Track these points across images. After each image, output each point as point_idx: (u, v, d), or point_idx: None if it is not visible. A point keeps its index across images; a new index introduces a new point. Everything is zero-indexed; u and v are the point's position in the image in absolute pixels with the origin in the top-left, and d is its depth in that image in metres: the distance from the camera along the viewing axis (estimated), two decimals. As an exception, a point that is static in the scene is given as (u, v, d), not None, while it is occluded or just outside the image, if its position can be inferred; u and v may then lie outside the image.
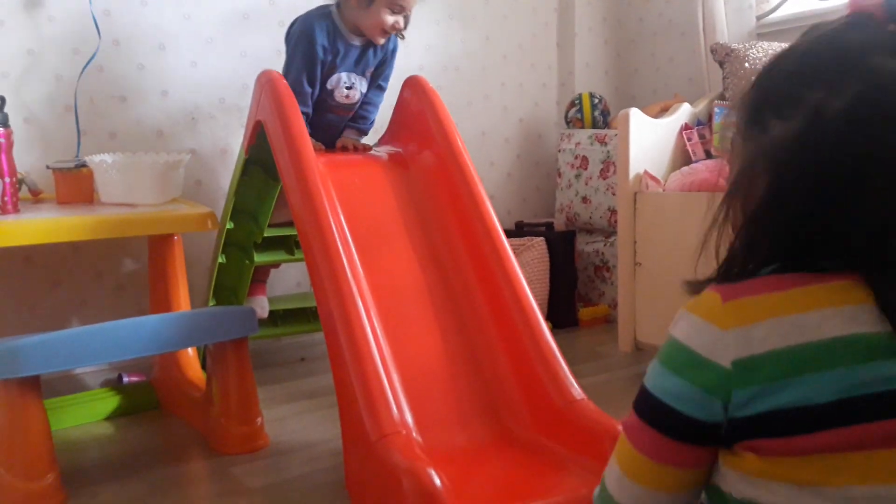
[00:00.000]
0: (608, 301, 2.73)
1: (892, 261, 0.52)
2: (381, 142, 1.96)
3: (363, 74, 1.97)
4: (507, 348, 1.44)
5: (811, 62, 0.57)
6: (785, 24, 2.68)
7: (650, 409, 0.57)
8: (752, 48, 2.30)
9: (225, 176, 2.29)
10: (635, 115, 2.11)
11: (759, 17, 2.72)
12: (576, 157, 2.88)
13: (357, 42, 1.92)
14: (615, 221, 2.50)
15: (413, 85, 1.82)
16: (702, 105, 2.35)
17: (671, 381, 0.56)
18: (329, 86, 1.94)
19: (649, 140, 2.17)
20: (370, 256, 1.51)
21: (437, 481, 1.03)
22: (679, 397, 0.55)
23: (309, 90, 1.89)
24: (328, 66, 1.92)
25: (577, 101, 2.97)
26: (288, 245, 2.08)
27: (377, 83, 2.01)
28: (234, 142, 2.27)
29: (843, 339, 0.51)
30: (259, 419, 1.63)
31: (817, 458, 0.50)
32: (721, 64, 2.39)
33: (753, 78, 0.62)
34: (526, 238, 2.65)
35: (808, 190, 0.54)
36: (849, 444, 0.50)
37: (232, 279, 2.18)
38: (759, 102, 0.59)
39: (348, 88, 1.95)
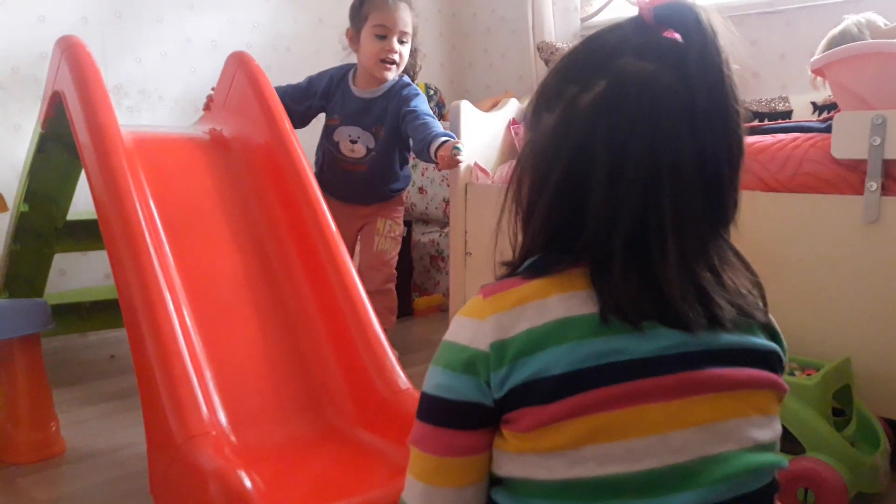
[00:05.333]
0: (443, 290, 2.75)
1: (608, 255, 0.57)
2: (200, 121, 1.83)
3: (370, 129, 1.89)
4: (332, 339, 1.39)
5: (572, 61, 0.62)
6: (606, 27, 2.83)
7: (428, 409, 0.60)
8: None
9: (18, 155, 2.04)
10: (466, 107, 2.12)
11: (583, 19, 2.86)
12: (411, 148, 2.88)
13: (364, 94, 1.90)
14: (450, 212, 2.52)
15: (237, 62, 1.71)
16: (528, 101, 2.42)
17: (442, 375, 0.59)
18: (335, 138, 1.91)
19: (480, 133, 2.19)
20: (183, 243, 1.40)
21: (248, 483, 0.96)
22: (450, 388, 0.58)
23: (288, 102, 1.83)
24: (327, 112, 1.94)
25: (412, 91, 2.97)
26: (95, 231, 1.89)
27: (410, 119, 1.84)
28: (30, 117, 2.03)
29: (572, 318, 0.56)
30: (53, 424, 1.47)
31: (556, 426, 0.54)
32: (547, 62, 2.48)
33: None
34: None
35: (560, 180, 0.59)
36: (580, 409, 0.54)
37: (28, 269, 1.95)
38: (537, 98, 0.64)
39: (352, 142, 1.91)
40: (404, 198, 2.11)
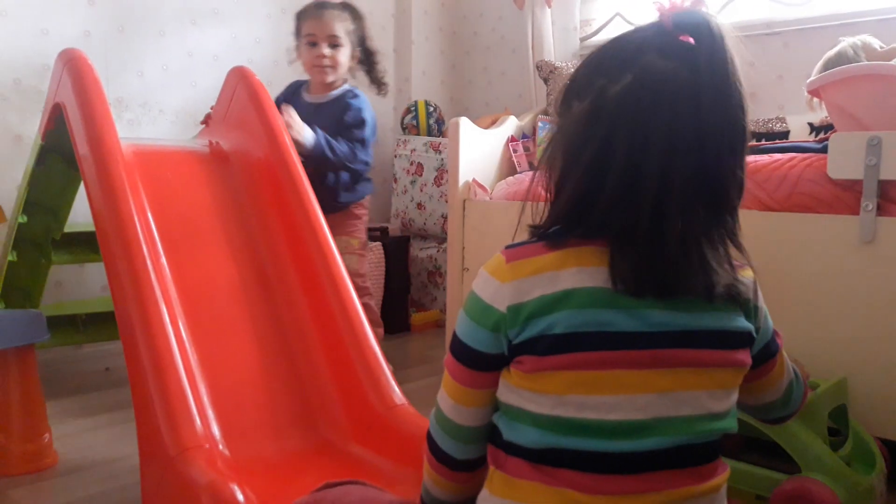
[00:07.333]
0: (440, 306, 2.75)
1: (623, 233, 0.66)
2: (200, 134, 1.84)
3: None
4: (328, 353, 1.38)
5: (601, 57, 0.71)
6: (605, 47, 2.85)
7: (458, 351, 0.74)
8: (574, 67, 2.42)
9: (19, 166, 2.04)
10: (465, 124, 2.14)
11: (582, 39, 2.88)
12: (411, 164, 2.89)
13: (313, 99, 2.01)
14: (447, 228, 2.53)
15: (238, 76, 1.72)
16: (527, 119, 2.44)
17: (469, 325, 0.72)
18: None
19: (479, 150, 2.21)
20: (180, 256, 1.40)
21: (241, 497, 0.96)
22: (476, 339, 0.71)
23: None
24: None
25: (412, 108, 2.99)
26: (92, 243, 1.89)
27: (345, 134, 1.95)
28: (31, 128, 2.04)
29: (577, 290, 0.67)
30: (46, 435, 1.46)
31: (549, 373, 0.67)
32: (546, 80, 2.50)
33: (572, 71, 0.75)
34: (361, 242, 2.60)
35: (589, 160, 0.68)
36: (569, 364, 0.66)
37: (25, 280, 1.95)
38: (568, 89, 0.73)
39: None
40: (364, 205, 2.09)
